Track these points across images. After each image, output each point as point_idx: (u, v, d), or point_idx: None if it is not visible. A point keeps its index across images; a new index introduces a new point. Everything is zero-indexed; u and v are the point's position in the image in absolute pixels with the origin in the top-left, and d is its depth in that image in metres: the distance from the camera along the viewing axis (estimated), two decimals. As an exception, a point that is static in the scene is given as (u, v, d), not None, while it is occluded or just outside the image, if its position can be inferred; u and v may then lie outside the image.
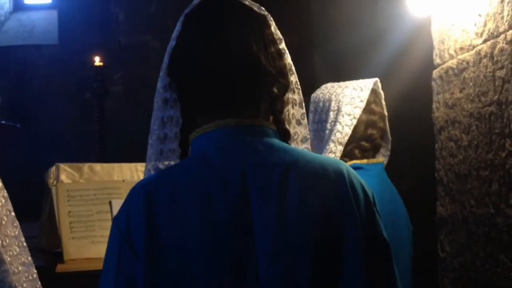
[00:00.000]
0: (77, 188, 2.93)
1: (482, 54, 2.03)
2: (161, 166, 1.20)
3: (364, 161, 1.90)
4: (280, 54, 1.17)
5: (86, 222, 2.85)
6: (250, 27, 1.13)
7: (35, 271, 1.43)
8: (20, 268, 1.40)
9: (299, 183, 1.06)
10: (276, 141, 1.12)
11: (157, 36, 6.70)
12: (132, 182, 2.64)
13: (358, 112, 1.88)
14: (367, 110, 1.92)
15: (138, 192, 1.08)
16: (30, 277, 1.41)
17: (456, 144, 2.29)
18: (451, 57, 2.31)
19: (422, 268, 2.10)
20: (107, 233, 1.10)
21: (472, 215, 2.16)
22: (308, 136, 1.24)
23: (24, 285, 1.39)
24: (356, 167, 1.81)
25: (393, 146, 2.04)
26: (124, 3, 7.33)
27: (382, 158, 1.98)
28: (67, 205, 2.85)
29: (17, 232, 1.42)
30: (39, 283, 1.44)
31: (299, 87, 1.22)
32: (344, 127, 1.87)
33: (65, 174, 3.04)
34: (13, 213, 1.42)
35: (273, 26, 1.18)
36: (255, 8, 1.17)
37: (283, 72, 1.16)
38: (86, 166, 3.14)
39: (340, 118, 1.88)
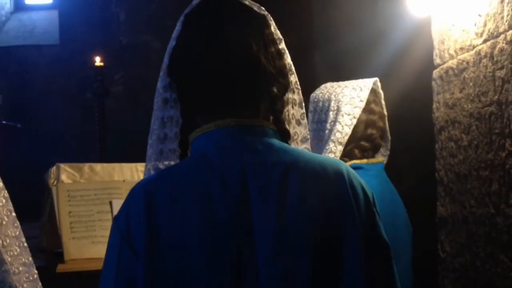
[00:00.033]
0: (78, 188, 2.93)
1: (482, 54, 2.03)
2: (161, 166, 1.20)
3: (364, 161, 1.90)
4: (280, 54, 1.17)
5: (87, 222, 2.85)
6: (250, 27, 1.13)
7: (36, 271, 1.43)
8: (20, 269, 1.40)
9: (299, 183, 1.06)
10: (276, 141, 1.12)
11: (157, 36, 6.71)
12: (132, 182, 2.64)
13: (357, 112, 1.88)
14: (366, 109, 1.92)
15: (138, 192, 1.08)
16: (31, 278, 1.41)
17: (456, 144, 2.29)
18: (451, 57, 2.31)
19: (422, 268, 2.10)
20: (107, 233, 1.10)
21: (472, 215, 2.16)
22: (308, 136, 1.24)
23: (25, 285, 1.39)
24: (356, 167, 1.81)
25: (393, 146, 2.04)
26: (124, 3, 7.34)
27: (381, 157, 1.98)
28: (68, 205, 2.86)
29: (18, 233, 1.42)
30: (40, 283, 1.44)
31: (299, 87, 1.22)
32: (344, 127, 1.87)
33: (65, 174, 3.04)
34: (14, 214, 1.42)
35: (273, 26, 1.19)
36: (255, 8, 1.17)
37: (283, 72, 1.17)
38: (86, 166, 3.14)
39: (340, 118, 1.88)
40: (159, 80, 1.19)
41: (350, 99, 1.89)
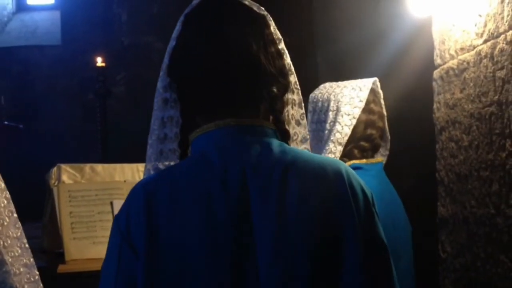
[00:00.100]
0: (79, 188, 2.94)
1: (483, 54, 2.04)
2: (161, 166, 1.20)
3: (364, 161, 1.89)
4: (280, 54, 1.17)
5: (88, 222, 2.85)
6: (250, 27, 1.13)
7: (37, 272, 1.43)
8: (21, 270, 1.40)
9: (299, 183, 1.06)
10: (276, 141, 1.12)
11: (159, 37, 6.71)
12: (133, 183, 2.63)
13: (357, 112, 1.88)
14: (366, 109, 1.91)
15: (138, 192, 1.08)
16: (32, 279, 1.41)
17: (456, 145, 2.29)
18: (452, 57, 2.31)
19: (423, 269, 2.10)
20: (108, 233, 1.10)
21: (473, 216, 2.16)
22: (308, 137, 1.24)
23: (26, 286, 1.39)
24: (355, 167, 1.81)
25: (393, 146, 2.04)
26: (126, 3, 7.35)
27: (381, 157, 1.98)
28: (69, 205, 2.86)
29: (19, 233, 1.42)
30: (41, 285, 1.44)
31: (298, 87, 1.22)
32: (343, 127, 1.86)
33: (66, 175, 3.05)
34: (15, 214, 1.42)
35: (273, 26, 1.19)
36: (255, 8, 1.17)
37: (283, 72, 1.16)
38: (87, 167, 3.14)
39: (340, 118, 1.87)
40: (159, 80, 1.19)
41: (349, 99, 1.89)
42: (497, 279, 1.98)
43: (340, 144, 1.85)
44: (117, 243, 1.06)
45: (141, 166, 3.14)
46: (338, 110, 1.89)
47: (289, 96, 1.20)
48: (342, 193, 1.07)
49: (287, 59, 1.19)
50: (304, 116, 1.24)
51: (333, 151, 1.84)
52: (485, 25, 2.01)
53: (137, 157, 2.99)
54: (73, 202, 2.87)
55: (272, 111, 1.15)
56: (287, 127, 1.18)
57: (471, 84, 2.13)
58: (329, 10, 4.80)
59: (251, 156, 1.08)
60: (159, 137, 1.20)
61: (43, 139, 6.80)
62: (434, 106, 2.49)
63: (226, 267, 1.02)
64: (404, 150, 2.65)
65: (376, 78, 1.98)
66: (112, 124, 6.27)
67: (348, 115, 1.87)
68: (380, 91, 1.99)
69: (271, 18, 1.19)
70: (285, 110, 1.19)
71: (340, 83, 1.98)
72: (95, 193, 2.93)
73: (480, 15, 2.05)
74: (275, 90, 1.14)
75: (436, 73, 2.48)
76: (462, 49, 2.21)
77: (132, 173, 3.16)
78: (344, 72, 3.71)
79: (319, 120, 1.95)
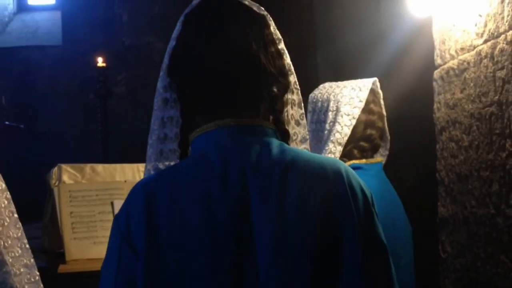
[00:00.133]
0: (79, 188, 2.94)
1: (483, 54, 2.04)
2: (161, 166, 1.20)
3: (363, 161, 1.89)
4: (280, 54, 1.17)
5: (88, 222, 2.86)
6: (250, 27, 1.14)
7: (38, 273, 1.43)
8: (22, 270, 1.40)
9: (298, 183, 1.06)
10: (276, 141, 1.12)
11: (160, 37, 6.70)
12: (134, 183, 2.63)
13: (357, 112, 1.88)
14: (366, 110, 1.91)
15: (138, 192, 1.08)
16: (32, 279, 1.41)
17: (457, 145, 2.29)
18: (452, 57, 2.31)
19: (423, 269, 2.10)
20: (109, 233, 1.11)
21: (473, 216, 2.16)
22: (307, 137, 1.24)
23: (26, 287, 1.40)
24: (355, 167, 1.81)
25: (393, 146, 2.04)
26: (127, 4, 7.34)
27: (380, 157, 1.98)
28: (69, 205, 2.86)
29: (19, 234, 1.42)
30: (41, 285, 1.44)
31: (298, 87, 1.22)
32: (343, 128, 1.86)
33: (67, 175, 3.05)
34: (16, 215, 1.42)
35: (273, 26, 1.19)
36: (255, 8, 1.17)
37: (283, 72, 1.17)
38: (88, 167, 3.14)
39: (339, 119, 1.87)
40: (159, 80, 1.19)
41: (349, 99, 1.89)
42: (497, 279, 1.98)
43: (339, 144, 1.85)
44: (117, 243, 1.07)
45: (141, 166, 3.14)
46: (337, 110, 1.89)
47: (289, 96, 1.20)
48: (341, 193, 1.07)
49: (287, 59, 1.19)
50: (304, 116, 1.24)
51: (333, 151, 1.84)
52: (485, 25, 2.01)
53: (137, 157, 2.99)
54: (74, 202, 2.87)
55: (272, 111, 1.16)
56: (286, 127, 1.18)
57: (471, 84, 2.13)
58: (329, 10, 4.80)
59: (251, 156, 1.08)
60: (159, 137, 1.20)
61: (44, 139, 6.81)
62: (434, 106, 2.49)
63: (226, 267, 1.02)
64: (404, 150, 2.65)
65: (376, 78, 1.98)
66: (112, 124, 6.27)
67: (348, 115, 1.87)
68: (380, 91, 1.99)
69: (271, 18, 1.19)
70: (285, 110, 1.20)
71: (340, 83, 1.98)
72: (96, 193, 2.93)
73: (480, 15, 2.05)
74: (275, 90, 1.14)
75: (436, 73, 2.48)
76: (462, 49, 2.21)
77: (133, 173, 3.16)
78: (344, 72, 3.72)
79: (319, 120, 1.95)
